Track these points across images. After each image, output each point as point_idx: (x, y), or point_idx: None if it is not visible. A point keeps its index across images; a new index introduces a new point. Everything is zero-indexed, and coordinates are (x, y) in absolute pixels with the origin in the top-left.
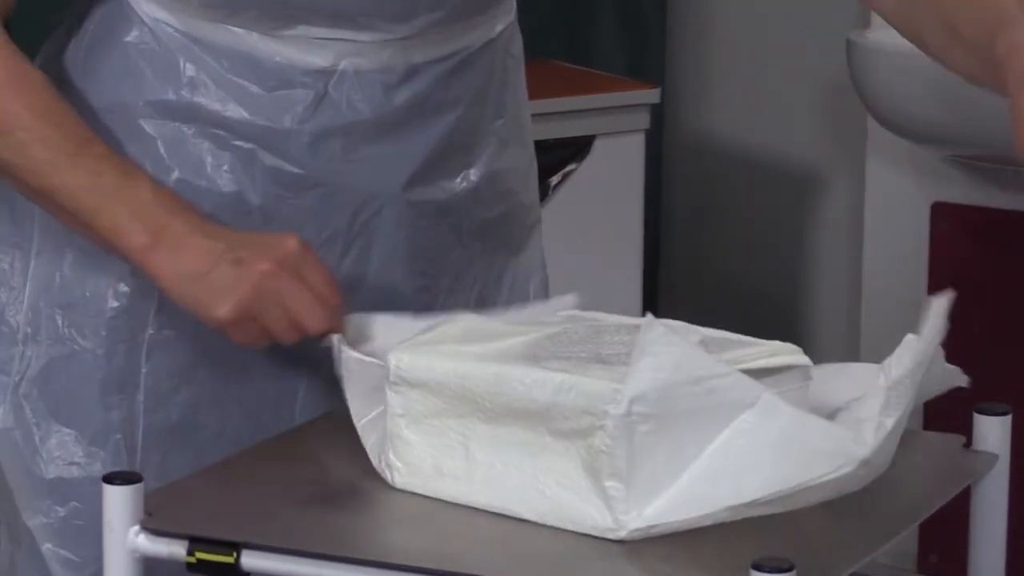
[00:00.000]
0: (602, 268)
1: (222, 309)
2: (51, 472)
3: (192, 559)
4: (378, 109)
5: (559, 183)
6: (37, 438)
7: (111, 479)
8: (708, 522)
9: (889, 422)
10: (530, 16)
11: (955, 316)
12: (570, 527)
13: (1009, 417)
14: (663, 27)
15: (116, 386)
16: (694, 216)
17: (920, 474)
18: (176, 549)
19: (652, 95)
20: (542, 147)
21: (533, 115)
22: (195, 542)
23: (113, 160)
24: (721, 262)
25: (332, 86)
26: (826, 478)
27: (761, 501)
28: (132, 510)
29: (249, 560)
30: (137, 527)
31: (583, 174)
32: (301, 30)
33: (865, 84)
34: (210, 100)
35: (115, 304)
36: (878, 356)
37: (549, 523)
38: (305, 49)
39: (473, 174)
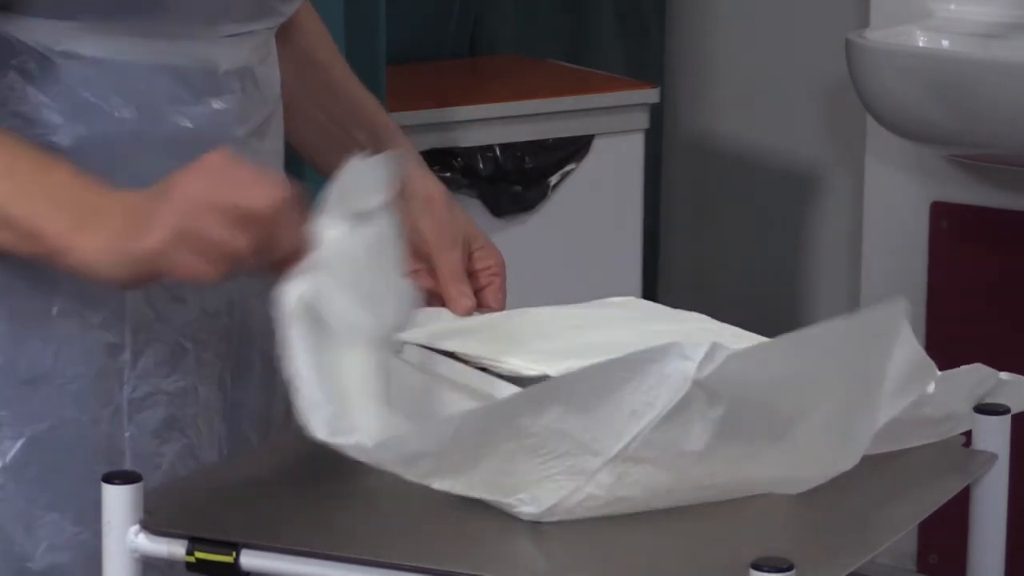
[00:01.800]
0: (602, 268)
1: (148, 239)
2: (41, 562)
3: (191, 559)
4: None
5: (558, 183)
6: (22, 529)
7: (110, 479)
8: None
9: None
10: (530, 16)
11: (955, 316)
12: None
13: (1009, 417)
14: (663, 27)
15: (104, 454)
16: (694, 216)
17: (920, 474)
18: (175, 549)
19: (651, 95)
20: (542, 147)
21: (533, 115)
22: (194, 542)
23: (26, 150)
24: (721, 262)
25: (246, 84)
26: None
27: None
28: (132, 510)
29: (248, 560)
30: (136, 527)
31: (582, 174)
32: (223, 30)
33: (865, 84)
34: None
35: (86, 369)
36: None
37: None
38: (226, 49)
39: None
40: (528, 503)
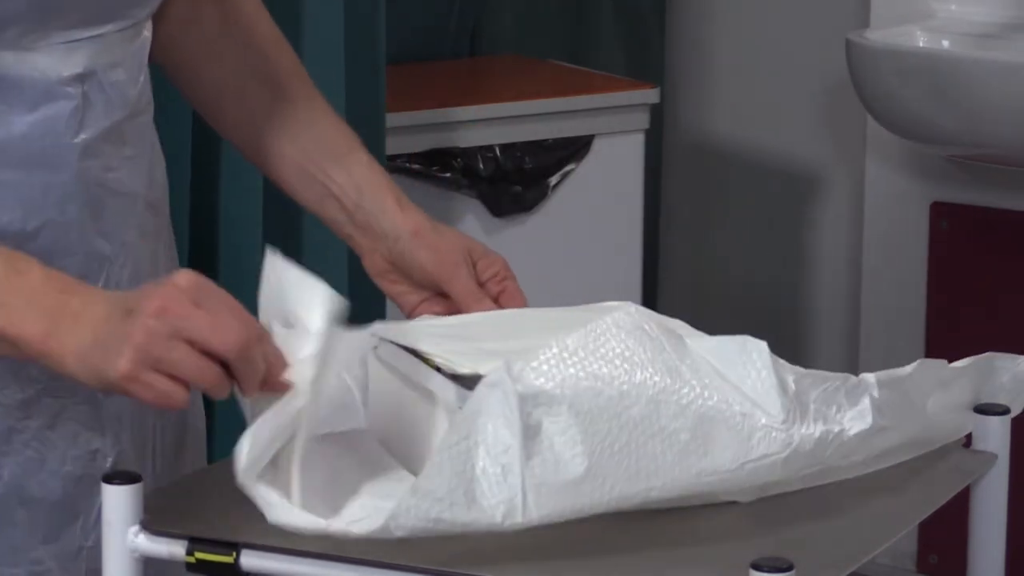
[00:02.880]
0: (602, 268)
1: (119, 363)
2: None
3: (192, 559)
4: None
5: (558, 183)
6: None
7: (111, 479)
8: None
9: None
10: (530, 16)
11: (955, 316)
12: None
13: (1009, 417)
14: (663, 27)
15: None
16: (694, 216)
17: (920, 474)
18: (176, 549)
19: (651, 95)
20: (542, 147)
21: (533, 115)
22: (195, 542)
23: None
24: (721, 262)
25: (90, 90)
26: None
27: None
28: (132, 510)
29: (248, 560)
30: (137, 527)
31: (582, 174)
32: (56, 37)
33: (865, 84)
34: None
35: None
36: (877, 356)
37: None
38: (61, 56)
39: None
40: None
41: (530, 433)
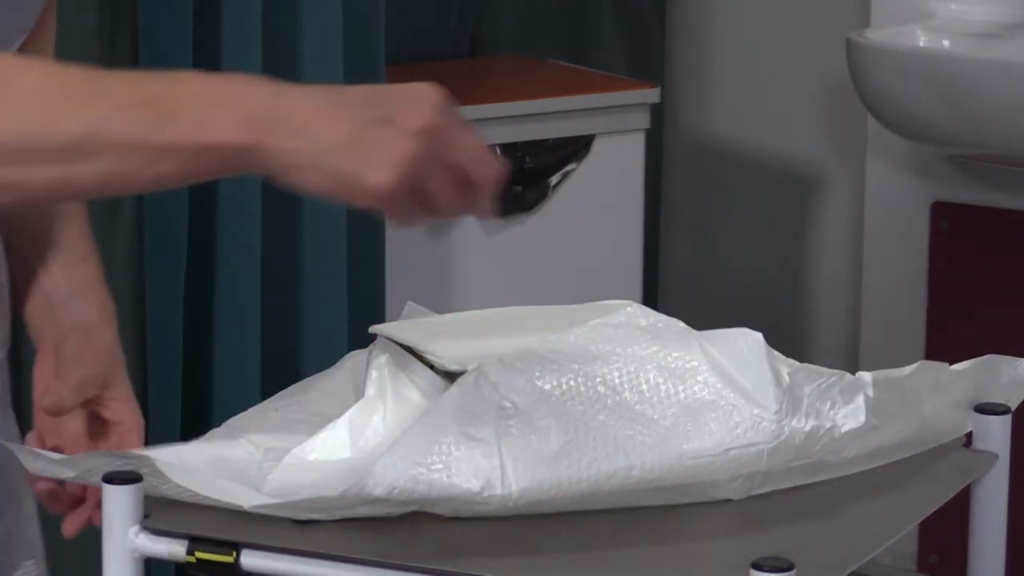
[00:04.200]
0: (602, 268)
1: (382, 175)
2: None
3: (192, 559)
4: None
5: (559, 183)
6: None
7: (111, 479)
8: None
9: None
10: (530, 16)
11: (955, 315)
12: None
13: (1009, 416)
14: (663, 27)
15: None
16: (694, 216)
17: (920, 474)
18: (176, 549)
19: (652, 94)
20: (542, 146)
21: (533, 114)
22: (195, 542)
23: (146, 75)
24: (721, 262)
25: None
26: None
27: None
28: (132, 510)
29: (248, 560)
30: (137, 527)
31: (583, 174)
32: None
33: (865, 84)
34: None
35: None
36: (878, 356)
37: None
38: None
39: None
40: None
41: (505, 414)
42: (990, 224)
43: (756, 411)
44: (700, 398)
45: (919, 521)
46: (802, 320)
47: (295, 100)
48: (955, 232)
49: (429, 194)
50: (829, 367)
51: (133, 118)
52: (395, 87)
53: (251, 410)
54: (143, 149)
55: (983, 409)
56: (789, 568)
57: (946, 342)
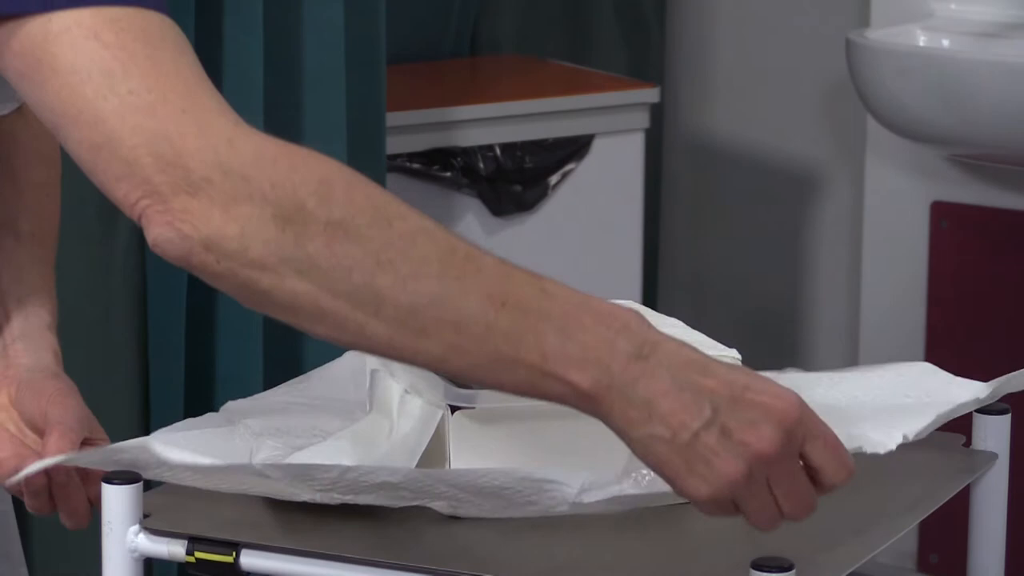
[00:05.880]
0: (601, 268)
1: (700, 489)
2: None
3: (191, 559)
4: None
5: (558, 183)
6: None
7: (110, 479)
8: None
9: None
10: (530, 16)
11: (955, 316)
12: None
13: (1009, 416)
14: (663, 27)
15: None
16: (694, 216)
17: (920, 473)
18: (175, 549)
19: (652, 94)
20: (542, 146)
21: (533, 114)
22: (194, 542)
23: (517, 268)
24: (721, 262)
25: None
26: None
27: None
28: (132, 510)
29: (248, 560)
30: (137, 527)
31: (582, 173)
32: None
33: (865, 84)
34: None
35: None
36: (877, 356)
37: None
38: None
39: None
40: None
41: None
42: (990, 224)
43: None
44: None
45: (919, 521)
46: (802, 320)
47: (653, 368)
48: (955, 232)
49: (744, 507)
50: (829, 367)
51: (494, 322)
52: (757, 388)
53: (248, 398)
54: (494, 356)
55: (983, 409)
56: (789, 568)
57: (946, 342)
